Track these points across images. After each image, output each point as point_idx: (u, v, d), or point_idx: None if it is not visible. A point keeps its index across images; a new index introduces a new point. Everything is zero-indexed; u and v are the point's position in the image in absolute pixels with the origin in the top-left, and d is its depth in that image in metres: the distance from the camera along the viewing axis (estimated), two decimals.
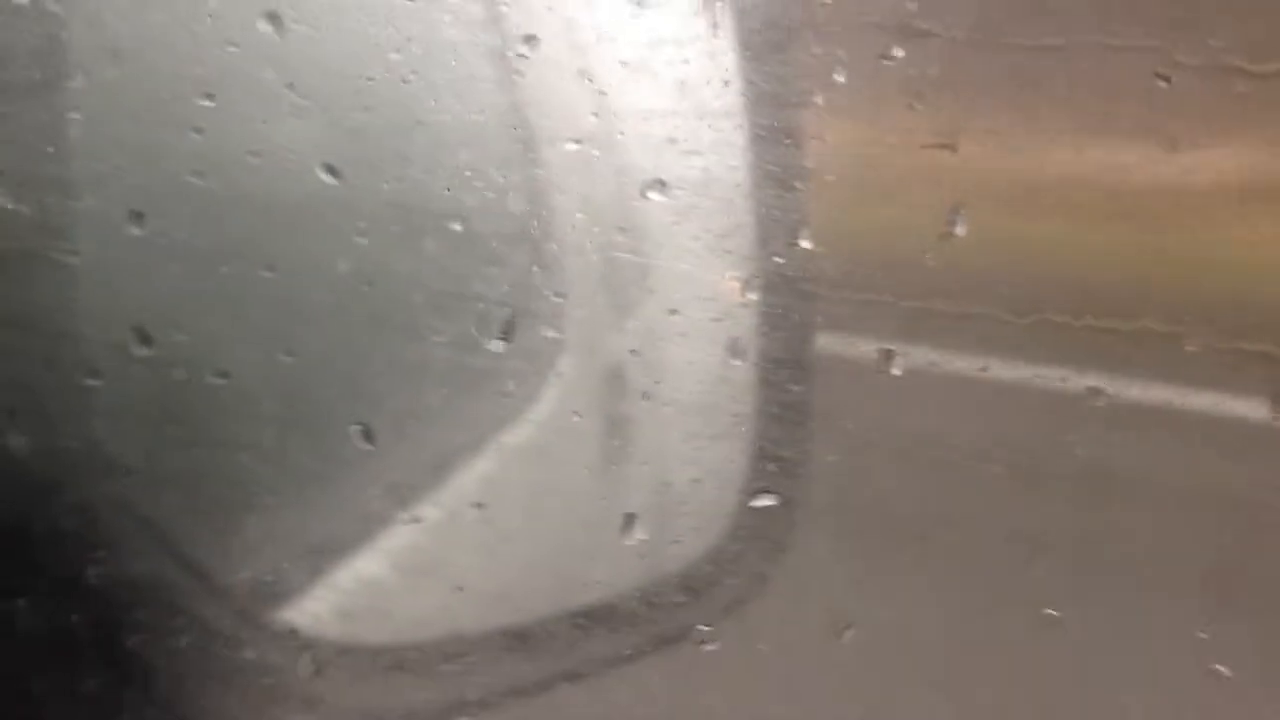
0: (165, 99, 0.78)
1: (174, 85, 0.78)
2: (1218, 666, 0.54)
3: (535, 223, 0.70)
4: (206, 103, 0.76)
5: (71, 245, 0.85)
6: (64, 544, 0.90)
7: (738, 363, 0.65)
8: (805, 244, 0.62)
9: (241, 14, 0.74)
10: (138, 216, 0.81)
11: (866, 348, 0.61)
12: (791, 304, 0.63)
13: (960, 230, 0.57)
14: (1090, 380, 0.55)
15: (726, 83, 0.62)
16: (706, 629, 0.68)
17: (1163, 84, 0.52)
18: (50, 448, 0.89)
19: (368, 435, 0.77)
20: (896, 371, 0.60)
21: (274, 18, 0.74)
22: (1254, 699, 0.54)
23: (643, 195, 0.65)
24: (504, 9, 0.69)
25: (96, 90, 0.81)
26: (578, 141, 0.67)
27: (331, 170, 0.74)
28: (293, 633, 0.83)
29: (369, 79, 0.72)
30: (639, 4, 0.64)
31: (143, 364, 0.84)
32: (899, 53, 0.58)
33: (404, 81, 0.71)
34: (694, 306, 0.65)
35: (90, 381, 0.87)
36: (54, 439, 0.89)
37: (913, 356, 0.60)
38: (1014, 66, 0.56)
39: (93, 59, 0.81)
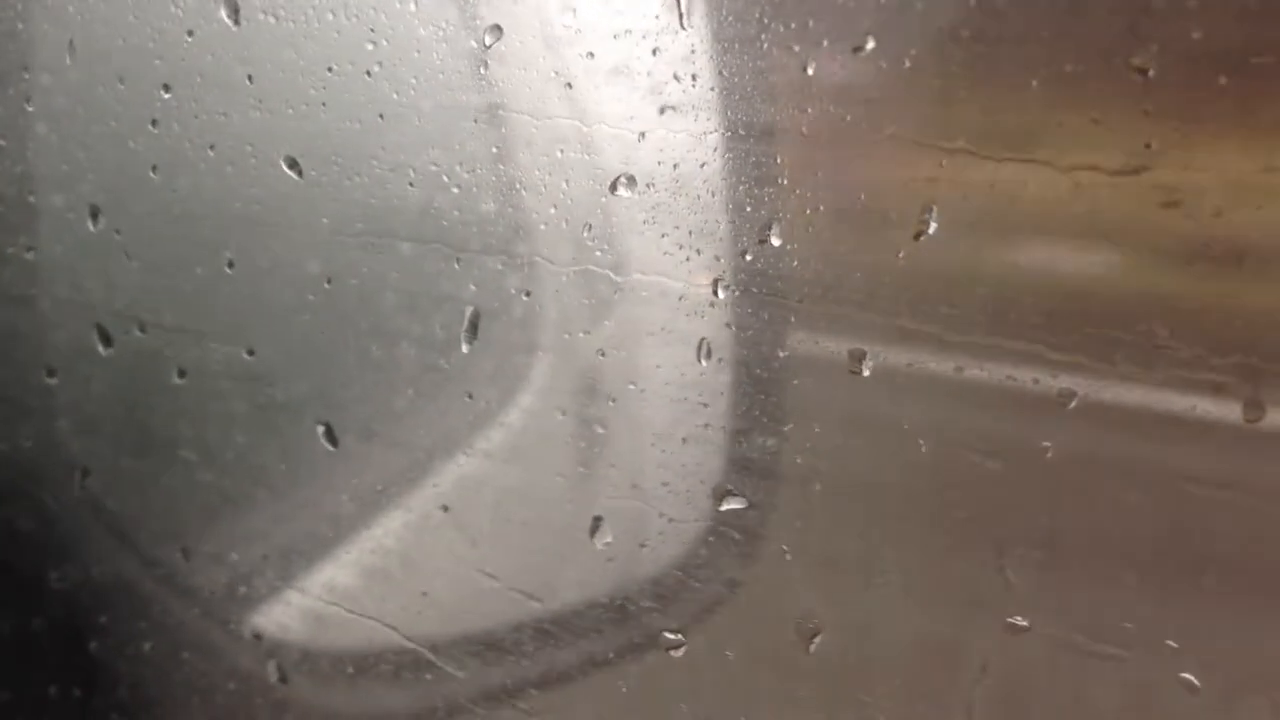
0: (123, 92, 0.77)
1: (132, 77, 0.76)
2: (1187, 675, 0.53)
3: (502, 220, 0.68)
4: (164, 95, 0.75)
5: (29, 241, 0.83)
6: (24, 547, 0.88)
7: (707, 363, 0.64)
8: (776, 241, 0.61)
9: (200, 3, 0.73)
10: (96, 212, 0.80)
11: (837, 348, 0.59)
12: (761, 303, 0.62)
13: (933, 229, 0.56)
14: (1063, 382, 0.54)
15: (695, 77, 0.61)
16: (675, 635, 0.66)
17: (1138, 78, 0.50)
18: (8, 448, 0.88)
19: (332, 436, 0.76)
20: (867, 372, 0.59)
21: (233, 7, 0.72)
22: (1224, 708, 0.53)
23: (612, 192, 0.64)
24: (470, 1, 0.67)
25: (54, 83, 0.80)
26: (546, 137, 0.66)
27: (294, 165, 0.73)
28: (258, 638, 0.82)
29: (331, 71, 0.71)
30: None
31: (102, 363, 0.83)
32: (872, 45, 0.56)
33: (368, 75, 0.70)
34: (663, 306, 0.64)
35: (49, 380, 0.85)
36: (12, 439, 0.88)
37: (884, 357, 0.59)
38: (990, 60, 0.55)
39: (50, 51, 0.80)
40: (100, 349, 0.82)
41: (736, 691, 0.65)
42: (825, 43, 0.58)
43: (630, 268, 0.65)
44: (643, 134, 0.63)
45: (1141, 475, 0.53)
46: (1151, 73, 0.50)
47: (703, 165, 0.62)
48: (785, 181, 0.61)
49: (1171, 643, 0.53)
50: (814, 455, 0.61)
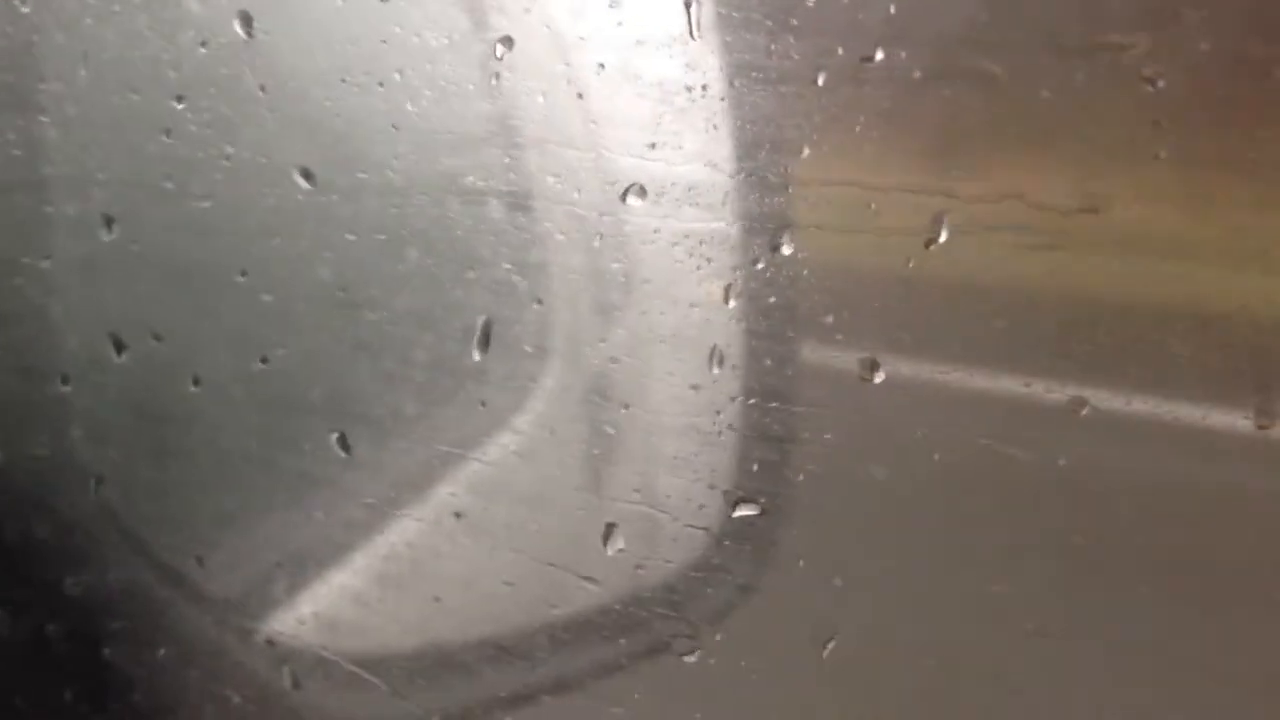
0: (136, 102, 0.77)
1: (145, 88, 0.77)
2: (1203, 676, 0.53)
3: (515, 229, 0.69)
4: (178, 105, 0.76)
5: (43, 250, 0.84)
6: (40, 553, 0.89)
7: (719, 371, 0.64)
8: (787, 250, 0.61)
9: (213, 15, 0.73)
10: (109, 222, 0.81)
11: (848, 356, 0.60)
12: (773, 311, 0.62)
13: (944, 237, 0.56)
14: (1074, 390, 0.54)
15: (706, 87, 0.61)
16: (689, 640, 0.67)
17: (1149, 88, 0.51)
18: (23, 455, 0.88)
19: (345, 444, 0.77)
20: (879, 380, 0.59)
21: (246, 18, 0.73)
22: (1241, 709, 0.53)
23: (623, 200, 0.65)
24: (482, 11, 0.68)
25: (68, 93, 0.80)
26: (557, 146, 0.66)
27: (307, 175, 0.73)
28: (271, 644, 0.83)
29: (345, 81, 0.71)
30: (613, 5, 0.63)
31: (116, 371, 0.83)
32: (881, 55, 0.57)
33: (380, 85, 0.70)
34: (675, 314, 0.65)
35: (63, 389, 0.86)
36: (27, 447, 0.88)
37: (895, 365, 0.59)
38: (1001, 70, 0.55)
39: (64, 62, 0.80)
40: (114, 357, 0.83)
41: (750, 697, 0.65)
42: (835, 53, 0.58)
43: (642, 276, 0.65)
44: (653, 144, 0.63)
45: (1153, 483, 0.53)
46: (1160, 82, 0.51)
47: (714, 174, 0.62)
48: (795, 190, 0.61)
49: (1186, 644, 0.53)
50: (826, 462, 0.61)
